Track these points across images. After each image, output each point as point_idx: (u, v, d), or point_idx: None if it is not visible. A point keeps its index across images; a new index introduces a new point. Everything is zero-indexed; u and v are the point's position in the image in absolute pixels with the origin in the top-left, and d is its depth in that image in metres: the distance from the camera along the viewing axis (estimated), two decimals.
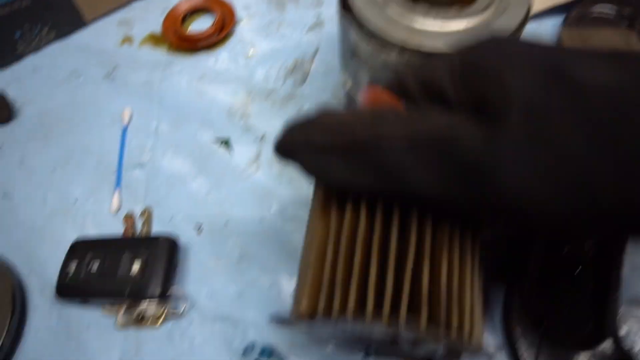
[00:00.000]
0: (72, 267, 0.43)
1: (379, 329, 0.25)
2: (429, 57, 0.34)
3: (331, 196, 0.29)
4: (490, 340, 0.38)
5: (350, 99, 0.47)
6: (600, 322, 0.37)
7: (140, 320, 0.42)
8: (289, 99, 0.54)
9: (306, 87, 0.55)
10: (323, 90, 0.54)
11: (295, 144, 0.26)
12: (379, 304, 0.25)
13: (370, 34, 0.36)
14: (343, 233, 0.27)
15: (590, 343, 0.36)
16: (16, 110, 0.56)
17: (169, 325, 0.42)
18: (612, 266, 0.38)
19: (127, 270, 0.42)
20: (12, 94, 0.56)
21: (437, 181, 0.22)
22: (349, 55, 0.41)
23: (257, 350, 0.39)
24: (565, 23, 0.54)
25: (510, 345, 0.37)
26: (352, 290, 0.25)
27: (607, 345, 0.36)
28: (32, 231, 0.48)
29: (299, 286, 0.29)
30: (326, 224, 0.29)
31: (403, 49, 0.35)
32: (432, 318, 0.25)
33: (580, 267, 0.39)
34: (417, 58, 0.35)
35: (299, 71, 0.56)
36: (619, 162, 0.19)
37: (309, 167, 0.26)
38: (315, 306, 0.26)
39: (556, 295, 0.38)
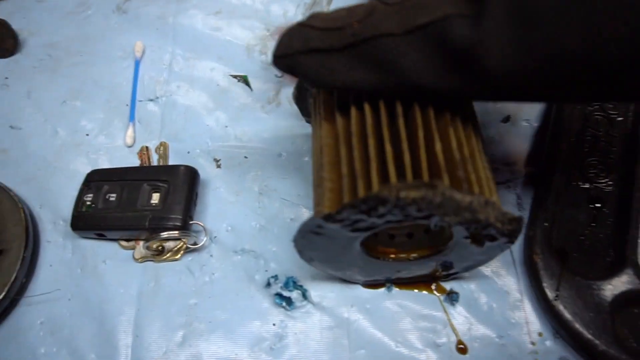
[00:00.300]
0: (88, 198, 0.41)
1: (404, 203, 0.24)
2: None
3: (333, 103, 0.30)
4: (513, 277, 0.38)
5: None
6: (621, 253, 0.36)
7: (159, 253, 0.41)
8: None
9: None
10: None
11: (294, 51, 0.26)
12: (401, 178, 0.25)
13: None
14: (352, 130, 0.28)
15: (611, 273, 0.36)
16: (21, 41, 0.53)
17: (189, 258, 0.41)
18: (633, 200, 0.37)
19: (146, 200, 0.40)
20: (16, 24, 0.53)
21: (434, 69, 0.24)
22: None
23: (281, 281, 0.39)
24: None
25: (533, 276, 0.36)
26: (373, 175, 0.25)
27: (627, 275, 0.35)
28: (43, 164, 0.46)
29: (319, 190, 0.29)
30: (333, 128, 0.30)
31: None
32: (454, 184, 0.25)
33: (600, 202, 0.38)
34: None
35: (318, 7, 0.53)
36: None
37: (310, 72, 0.26)
38: (339, 200, 0.27)
39: (577, 227, 0.38)
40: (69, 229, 0.42)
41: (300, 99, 0.38)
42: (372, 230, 0.28)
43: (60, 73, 0.51)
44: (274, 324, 0.37)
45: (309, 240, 0.30)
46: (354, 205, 0.25)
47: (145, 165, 0.45)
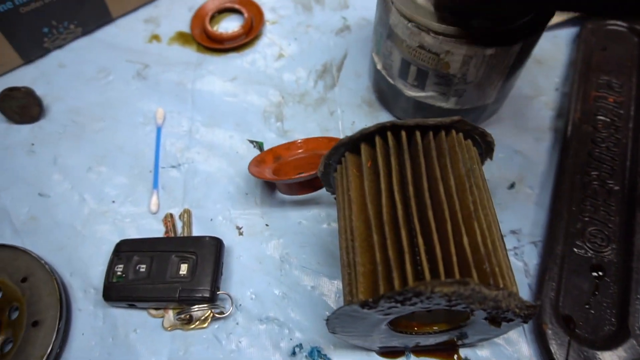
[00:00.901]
0: (119, 269, 0.43)
1: (438, 296, 0.27)
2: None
3: (363, 187, 0.33)
4: (524, 344, 0.41)
5: (380, 78, 0.50)
6: (623, 323, 0.39)
7: (187, 322, 0.43)
8: (321, 102, 0.55)
9: (336, 91, 0.55)
10: (354, 94, 0.55)
11: None
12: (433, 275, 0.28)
13: (409, 18, 0.40)
14: (384, 219, 0.30)
15: (615, 343, 0.38)
16: (45, 107, 0.55)
17: (216, 326, 0.43)
18: (632, 271, 0.40)
19: (175, 271, 0.43)
20: (40, 90, 0.55)
21: None
22: (385, 36, 0.45)
23: (306, 350, 0.41)
24: (580, 36, 0.56)
25: (543, 345, 0.39)
26: (408, 267, 0.28)
27: (630, 346, 0.38)
28: (72, 232, 0.48)
29: (349, 272, 0.31)
30: (364, 212, 0.32)
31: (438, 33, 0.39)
32: (481, 278, 0.28)
33: (602, 271, 0.41)
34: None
35: (328, 75, 0.57)
36: None
37: None
38: (374, 287, 0.29)
39: (582, 296, 0.41)
40: (99, 297, 0.44)
41: (324, 173, 0.40)
42: (401, 314, 0.30)
43: (84, 139, 0.53)
44: None
45: (341, 320, 0.32)
46: (390, 297, 0.27)
47: (170, 232, 0.47)
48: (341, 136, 0.50)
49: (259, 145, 0.52)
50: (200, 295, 0.42)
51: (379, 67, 0.50)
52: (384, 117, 0.53)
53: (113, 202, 0.50)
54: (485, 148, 0.38)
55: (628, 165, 0.46)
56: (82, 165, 0.52)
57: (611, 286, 0.40)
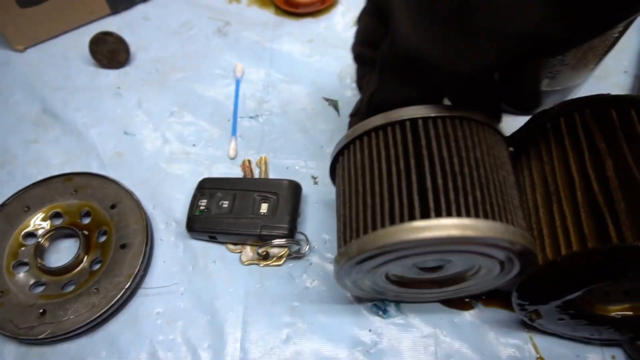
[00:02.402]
0: (203, 203, 0.46)
1: None
2: None
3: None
4: None
5: None
6: None
7: (264, 258, 0.45)
8: None
9: None
10: None
11: None
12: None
13: None
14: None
15: None
16: (131, 55, 0.58)
17: (290, 264, 0.45)
18: None
19: (257, 209, 0.45)
20: (127, 39, 0.58)
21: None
22: None
23: None
24: None
25: None
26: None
27: None
28: (156, 169, 0.50)
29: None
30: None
31: None
32: None
33: None
34: None
35: None
36: None
37: None
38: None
39: None
40: (181, 229, 0.46)
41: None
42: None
43: (167, 86, 0.56)
44: (370, 330, 0.42)
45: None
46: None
47: (247, 176, 0.49)
48: None
49: (334, 104, 0.54)
50: (280, 231, 0.44)
51: None
52: None
53: (194, 145, 0.52)
54: None
55: None
56: (165, 110, 0.54)
57: None
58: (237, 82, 0.56)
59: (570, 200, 0.33)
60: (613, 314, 0.36)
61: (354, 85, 0.55)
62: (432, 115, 0.33)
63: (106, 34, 0.55)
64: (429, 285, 0.39)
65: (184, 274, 0.45)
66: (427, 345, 0.41)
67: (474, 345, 0.41)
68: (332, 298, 0.43)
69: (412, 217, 0.30)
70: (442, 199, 0.30)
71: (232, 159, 0.51)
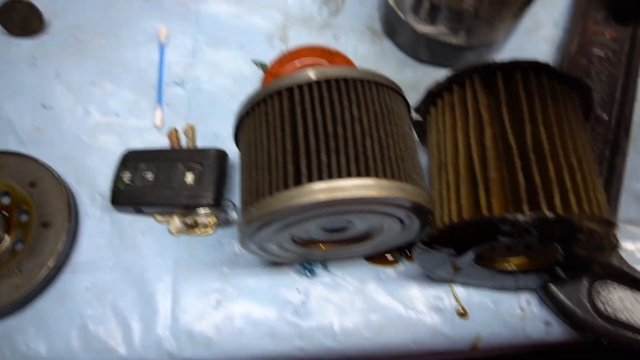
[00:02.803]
0: (126, 176, 0.45)
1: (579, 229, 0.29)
2: None
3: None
4: None
5: (389, 11, 0.50)
6: None
7: (192, 227, 0.45)
8: (325, 27, 0.55)
9: (341, 17, 0.56)
10: (357, 21, 0.56)
11: None
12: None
13: None
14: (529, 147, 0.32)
15: None
16: (47, 22, 0.55)
17: (219, 232, 0.45)
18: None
19: (181, 179, 0.44)
20: (40, 5, 0.55)
21: None
22: None
23: None
24: None
25: None
26: (556, 196, 0.30)
27: None
28: (77, 142, 0.49)
29: (477, 189, 0.32)
30: (501, 138, 0.34)
31: None
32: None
33: None
34: None
35: (332, 1, 0.57)
36: None
37: None
38: (511, 206, 0.30)
39: None
40: (106, 203, 0.45)
41: (426, 100, 0.40)
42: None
43: (87, 55, 0.53)
44: (298, 290, 0.42)
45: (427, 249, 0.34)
46: (543, 218, 0.29)
47: (174, 145, 0.48)
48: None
49: (262, 66, 0.53)
50: (205, 200, 0.44)
51: (390, 1, 0.50)
52: (387, 45, 0.54)
53: (117, 115, 0.50)
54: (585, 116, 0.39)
55: (618, 97, 0.48)
56: (86, 80, 0.52)
57: None
58: (162, 48, 0.54)
59: (453, 171, 0.34)
60: (514, 266, 0.37)
61: (283, 46, 0.54)
62: (316, 79, 0.33)
63: (15, 2, 0.52)
64: (340, 244, 0.40)
65: (112, 247, 0.44)
66: (354, 302, 0.42)
67: (399, 299, 0.42)
68: (260, 262, 0.44)
69: (286, 186, 0.30)
70: (314, 163, 0.30)
71: (159, 128, 0.50)
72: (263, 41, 0.54)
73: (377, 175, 0.31)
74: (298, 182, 0.31)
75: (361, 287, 0.42)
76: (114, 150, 0.48)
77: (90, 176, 0.47)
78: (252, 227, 0.32)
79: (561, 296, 0.40)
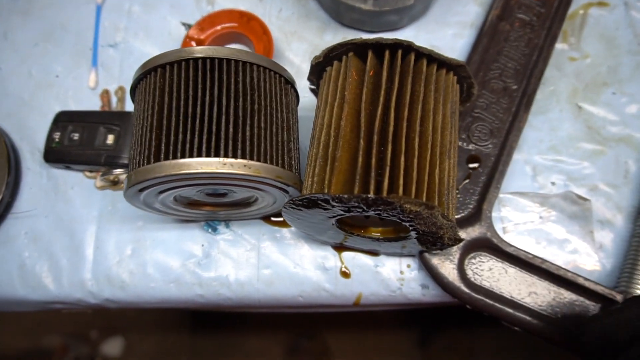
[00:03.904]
0: (57, 136, 0.50)
1: (402, 210, 0.31)
2: None
3: (360, 91, 0.36)
4: None
5: None
6: (479, 207, 0.44)
7: (115, 183, 0.50)
8: None
9: None
10: None
11: None
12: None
13: None
14: (375, 128, 0.34)
15: (468, 223, 0.43)
16: None
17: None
18: (500, 162, 0.44)
19: (103, 140, 0.49)
20: None
21: None
22: None
23: None
24: None
25: None
26: (385, 180, 0.32)
27: (479, 226, 0.43)
28: (21, 102, 0.53)
29: (322, 164, 0.35)
30: (354, 114, 0.35)
31: None
32: (440, 206, 0.33)
33: (478, 162, 0.45)
34: None
35: None
36: None
37: None
38: (349, 186, 0.33)
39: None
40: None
41: (320, 63, 0.40)
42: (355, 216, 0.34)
43: (32, 15, 0.57)
44: (202, 245, 0.47)
45: (296, 209, 0.36)
46: (364, 199, 0.31)
47: (105, 106, 0.52)
48: (267, 22, 0.51)
49: (189, 28, 0.54)
50: (122, 162, 0.48)
51: None
52: (312, 6, 0.54)
53: (57, 76, 0.54)
54: (466, 97, 0.40)
55: (531, 67, 0.47)
56: (30, 41, 0.56)
57: (480, 175, 0.45)
58: (98, 9, 0.56)
59: (316, 146, 0.36)
60: (378, 234, 0.40)
61: (209, 8, 0.55)
62: (184, 58, 0.36)
63: None
64: (226, 207, 0.44)
65: (48, 199, 0.50)
66: (249, 257, 0.47)
67: (290, 257, 0.46)
68: (171, 219, 0.48)
69: (148, 161, 0.34)
70: (172, 141, 0.34)
71: (93, 89, 0.54)
72: (192, 2, 0.55)
73: (225, 155, 0.34)
74: (157, 158, 0.34)
75: (257, 244, 0.47)
76: (54, 110, 0.52)
77: (31, 134, 0.52)
78: (130, 191, 0.37)
79: (432, 262, 0.43)
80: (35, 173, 0.51)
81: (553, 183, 0.46)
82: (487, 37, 0.49)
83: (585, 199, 0.45)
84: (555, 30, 0.48)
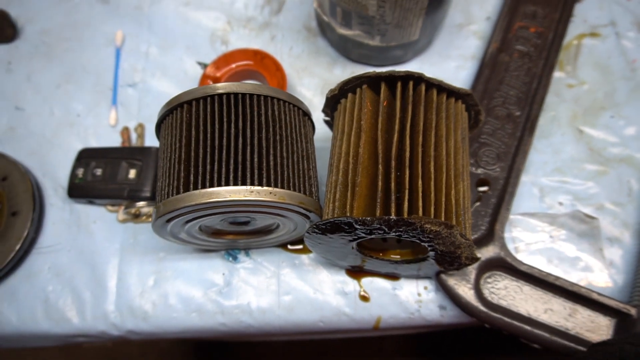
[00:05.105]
0: (80, 172, 0.52)
1: (422, 230, 0.33)
2: None
3: (376, 118, 0.38)
4: None
5: (317, 14, 0.53)
6: (491, 227, 0.45)
7: (136, 216, 0.51)
8: (265, 26, 0.59)
9: (281, 16, 0.59)
10: (297, 20, 0.59)
11: None
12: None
13: None
14: (392, 154, 0.36)
15: (482, 243, 0.45)
16: (19, 28, 0.61)
17: None
18: (509, 184, 0.46)
19: (125, 175, 0.51)
20: (13, 13, 0.61)
21: None
22: None
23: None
24: None
25: None
26: (405, 203, 0.34)
27: (493, 246, 0.45)
28: (43, 140, 0.56)
29: (342, 189, 0.36)
30: (372, 141, 0.37)
31: None
32: (459, 226, 0.35)
33: (487, 185, 0.47)
34: None
35: (275, 0, 0.60)
36: None
37: None
38: (371, 211, 0.35)
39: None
40: (66, 194, 0.52)
41: (336, 95, 0.42)
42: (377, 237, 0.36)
43: (54, 58, 0.60)
44: (223, 274, 0.48)
45: (319, 234, 0.37)
46: (386, 220, 0.33)
47: (126, 142, 0.55)
48: (279, 59, 0.54)
49: (205, 67, 0.57)
50: (144, 195, 0.50)
51: (315, 4, 0.53)
52: (321, 44, 0.57)
53: (78, 115, 0.57)
54: (474, 123, 0.43)
55: (532, 94, 0.50)
56: (52, 83, 0.58)
57: (491, 198, 0.47)
58: (117, 51, 0.59)
59: (335, 173, 0.38)
60: (397, 256, 0.42)
61: (223, 47, 0.58)
62: (210, 95, 0.38)
63: None
64: (247, 235, 0.45)
65: (70, 233, 0.52)
66: (269, 284, 0.48)
67: (309, 283, 0.47)
68: (192, 249, 0.50)
69: (177, 191, 0.36)
70: (200, 172, 0.36)
71: (113, 127, 0.56)
72: (207, 43, 0.58)
73: (252, 183, 0.36)
74: (186, 188, 0.36)
75: (277, 271, 0.48)
76: (75, 147, 0.54)
77: (54, 171, 0.54)
78: (159, 221, 0.38)
79: (449, 283, 0.44)
80: (58, 208, 0.53)
81: (560, 203, 0.48)
82: (488, 68, 0.52)
83: (593, 217, 0.47)
84: (552, 59, 0.51)
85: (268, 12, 0.59)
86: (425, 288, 0.47)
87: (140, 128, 0.55)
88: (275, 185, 0.37)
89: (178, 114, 0.39)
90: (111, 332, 0.48)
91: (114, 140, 0.55)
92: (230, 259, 0.49)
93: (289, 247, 0.49)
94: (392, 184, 0.35)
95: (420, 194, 0.34)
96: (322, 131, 0.50)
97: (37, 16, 0.62)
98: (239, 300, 0.47)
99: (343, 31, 0.51)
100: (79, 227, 0.52)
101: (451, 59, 0.55)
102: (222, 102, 0.38)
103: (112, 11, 0.61)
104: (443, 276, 0.44)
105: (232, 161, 0.36)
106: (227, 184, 0.36)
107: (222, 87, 0.39)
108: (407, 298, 0.46)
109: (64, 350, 0.90)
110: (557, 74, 0.53)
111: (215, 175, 0.36)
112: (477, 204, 0.47)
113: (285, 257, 0.49)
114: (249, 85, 0.39)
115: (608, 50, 0.55)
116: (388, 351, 0.99)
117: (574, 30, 0.56)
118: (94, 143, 0.55)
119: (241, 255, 0.49)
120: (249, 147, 0.37)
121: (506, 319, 0.43)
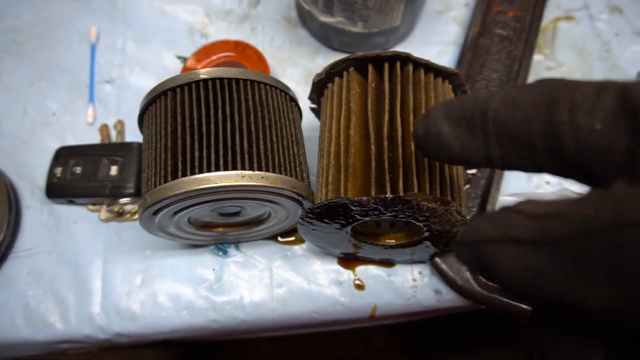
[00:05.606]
0: (58, 171, 0.49)
1: (419, 208, 0.32)
2: None
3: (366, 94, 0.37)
4: None
5: (297, 2, 0.53)
6: (482, 207, 0.46)
7: (120, 214, 0.50)
8: (245, 18, 0.58)
9: (260, 8, 0.59)
10: (276, 10, 0.58)
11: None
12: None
13: None
14: (384, 134, 0.35)
15: None
16: None
17: None
18: None
19: (106, 172, 0.49)
20: None
21: None
22: None
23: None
24: None
25: None
26: (399, 181, 0.33)
27: None
28: (18, 141, 0.53)
29: (334, 172, 0.36)
30: (363, 122, 0.37)
31: None
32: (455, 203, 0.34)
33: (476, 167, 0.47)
34: None
35: None
36: None
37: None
38: (365, 191, 0.34)
39: None
40: (44, 196, 0.50)
41: (323, 79, 0.41)
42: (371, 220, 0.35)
43: (25, 57, 0.57)
44: (213, 269, 0.47)
45: (312, 218, 0.36)
46: (382, 199, 0.32)
47: (105, 140, 0.53)
48: (261, 50, 0.54)
49: (185, 60, 0.56)
50: (127, 191, 0.48)
51: None
52: (302, 34, 0.57)
53: (54, 114, 0.55)
54: None
55: (513, 76, 0.51)
56: (24, 81, 0.56)
57: (480, 180, 0.47)
58: (92, 47, 0.57)
59: (326, 157, 0.37)
60: (387, 241, 0.41)
61: (203, 40, 0.57)
62: (194, 80, 0.37)
63: None
64: (237, 226, 0.44)
65: (50, 235, 0.50)
66: (262, 277, 0.47)
67: (303, 274, 0.47)
68: (180, 245, 0.48)
69: (165, 180, 0.34)
70: (189, 159, 0.35)
71: (91, 124, 0.54)
72: (185, 36, 0.57)
73: (242, 168, 0.35)
74: (174, 176, 0.35)
75: (269, 264, 0.47)
76: (52, 147, 0.52)
77: (30, 172, 0.52)
78: (146, 214, 0.37)
79: (443, 266, 0.44)
80: (36, 210, 0.51)
81: (547, 182, 0.49)
82: (470, 52, 0.52)
83: (580, 194, 0.48)
84: (531, 41, 0.52)
85: (247, 4, 0.59)
86: (420, 273, 0.46)
87: (120, 125, 0.53)
88: (267, 170, 0.36)
89: (162, 102, 0.38)
90: (97, 336, 0.46)
91: (92, 138, 0.53)
92: (220, 253, 0.47)
93: (280, 239, 0.48)
94: (386, 164, 0.34)
95: (414, 172, 0.34)
96: (308, 120, 0.49)
97: (5, 13, 0.60)
98: (230, 296, 0.46)
99: (325, 19, 0.50)
100: (59, 228, 0.50)
101: (432, 44, 0.55)
102: (208, 87, 0.37)
103: (84, 6, 0.59)
104: (437, 260, 0.44)
105: (221, 146, 0.35)
106: (217, 170, 0.35)
107: (207, 72, 0.38)
108: (402, 284, 0.46)
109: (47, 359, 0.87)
110: (536, 57, 0.54)
111: (205, 162, 0.35)
112: (467, 186, 0.47)
113: (276, 249, 0.48)
114: (234, 70, 0.38)
115: (583, 33, 0.56)
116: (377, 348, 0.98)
117: (549, 14, 0.57)
118: (72, 142, 0.53)
119: (231, 249, 0.48)
120: (237, 132, 0.36)
121: (502, 299, 0.43)
